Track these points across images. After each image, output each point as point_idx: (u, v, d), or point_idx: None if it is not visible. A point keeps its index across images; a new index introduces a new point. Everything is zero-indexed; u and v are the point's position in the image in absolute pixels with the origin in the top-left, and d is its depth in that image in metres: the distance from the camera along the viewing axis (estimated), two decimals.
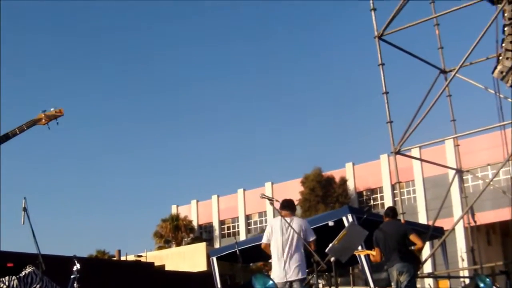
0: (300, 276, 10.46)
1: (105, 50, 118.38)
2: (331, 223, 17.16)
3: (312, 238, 10.74)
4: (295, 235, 10.61)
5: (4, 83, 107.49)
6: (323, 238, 11.71)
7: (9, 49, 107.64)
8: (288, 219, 10.78)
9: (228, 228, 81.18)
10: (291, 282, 10.35)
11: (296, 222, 10.84)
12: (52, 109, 8.29)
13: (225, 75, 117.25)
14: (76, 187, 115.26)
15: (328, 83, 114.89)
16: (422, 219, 60.37)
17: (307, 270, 12.88)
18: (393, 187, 66.28)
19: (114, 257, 58.94)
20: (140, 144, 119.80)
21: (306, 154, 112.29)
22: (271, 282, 6.82)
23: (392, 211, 13.63)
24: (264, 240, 10.90)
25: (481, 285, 11.13)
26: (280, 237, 10.66)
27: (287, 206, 11.18)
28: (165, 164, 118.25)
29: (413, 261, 12.82)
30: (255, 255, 16.52)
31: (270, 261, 14.19)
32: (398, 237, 12.80)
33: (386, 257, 12.95)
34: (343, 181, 70.51)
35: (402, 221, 17.67)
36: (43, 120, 8.21)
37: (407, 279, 12.53)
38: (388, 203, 67.54)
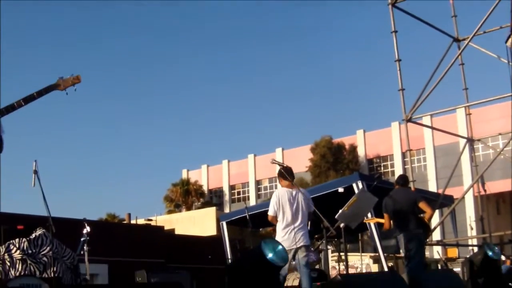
0: (306, 243, 10.57)
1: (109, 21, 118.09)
2: (341, 190, 17.15)
3: (312, 208, 10.90)
4: (301, 205, 10.72)
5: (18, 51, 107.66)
6: (333, 204, 11.74)
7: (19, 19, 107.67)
8: (294, 190, 10.87)
9: (238, 193, 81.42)
10: (297, 249, 10.46)
11: (302, 193, 10.92)
12: (70, 75, 8.30)
13: (237, 43, 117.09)
14: (89, 152, 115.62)
15: (341, 51, 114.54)
16: (432, 187, 60.35)
17: (316, 236, 12.96)
18: (403, 155, 66.15)
19: (124, 220, 59.23)
20: (153, 110, 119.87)
21: (317, 121, 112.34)
22: (280, 247, 6.84)
23: (402, 179, 13.65)
24: (271, 212, 10.92)
25: (490, 253, 11.13)
26: (289, 208, 10.71)
27: (290, 174, 11.15)
28: (177, 129, 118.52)
29: (423, 229, 12.85)
30: (265, 221, 16.51)
31: None
32: (408, 205, 12.82)
33: (396, 224, 12.99)
34: (353, 148, 70.48)
35: (413, 189, 17.65)
36: (61, 86, 8.22)
37: (415, 246, 12.57)
38: (398, 171, 67.53)
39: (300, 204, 10.72)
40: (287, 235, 10.57)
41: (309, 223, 10.98)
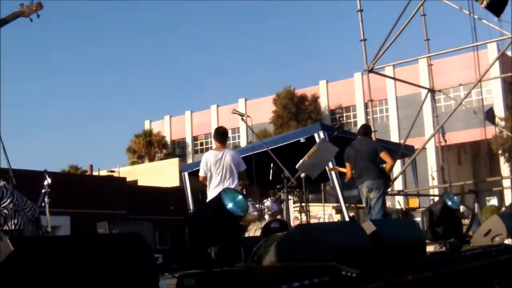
0: None
1: None
2: (302, 140, 17.20)
3: (243, 168, 11.35)
4: (229, 166, 11.22)
5: None
6: (294, 155, 11.74)
7: None
8: (220, 152, 11.35)
9: (201, 144, 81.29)
10: None
11: (228, 154, 11.38)
12: (31, 2, 8.19)
13: None
14: (50, 102, 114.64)
15: (305, 1, 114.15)
16: (394, 137, 60.70)
17: (278, 186, 12.99)
18: (366, 106, 66.34)
19: (87, 172, 58.95)
20: (116, 60, 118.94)
21: (280, 72, 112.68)
22: (240, 197, 6.83)
23: (364, 129, 13.71)
24: (201, 174, 11.50)
25: (449, 203, 11.21)
26: (215, 169, 11.24)
27: (219, 136, 11.68)
28: (139, 79, 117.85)
29: (383, 178, 12.94)
30: None
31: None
32: (368, 155, 12.93)
33: (357, 174, 13.08)
34: (315, 98, 70.52)
35: (374, 139, 17.76)
36: (26, 13, 8.12)
37: (376, 196, 12.70)
38: (361, 121, 67.82)
39: (227, 165, 11.21)
40: (212, 193, 11.01)
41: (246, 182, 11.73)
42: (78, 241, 4.87)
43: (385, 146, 14.21)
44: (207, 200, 10.65)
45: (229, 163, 11.18)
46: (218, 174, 11.23)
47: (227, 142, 12.08)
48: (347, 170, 13.32)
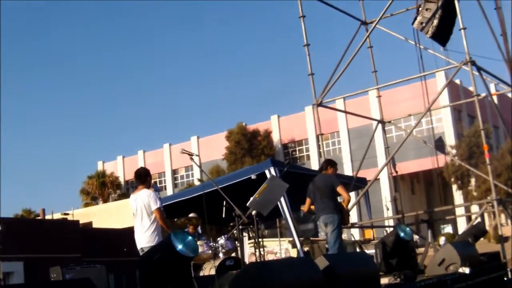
0: (146, 244, 10.93)
1: None
2: (254, 177, 17.19)
3: (155, 206, 11.07)
4: (142, 207, 11.08)
5: None
6: (247, 192, 11.72)
7: None
8: (136, 194, 11.30)
9: (155, 183, 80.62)
10: (142, 249, 10.96)
11: (140, 195, 11.23)
12: None
13: (162, 32, 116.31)
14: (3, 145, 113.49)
15: (254, 39, 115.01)
16: (348, 169, 61.04)
17: (231, 224, 12.93)
18: (318, 139, 66.69)
19: (39, 216, 58.26)
20: (65, 101, 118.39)
21: (232, 108, 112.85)
22: (190, 238, 6.79)
23: (323, 164, 13.86)
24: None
25: (402, 234, 11.29)
26: (133, 211, 11.25)
27: (136, 178, 11.69)
28: (91, 119, 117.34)
29: (337, 213, 12.97)
30: (180, 210, 16.50)
31: (191, 215, 14.23)
32: (325, 189, 13.07)
33: (315, 209, 13.15)
34: (268, 133, 70.74)
35: (332, 172, 17.90)
36: None
37: (330, 230, 12.74)
38: (314, 154, 68.22)
39: (141, 206, 11.10)
40: (135, 235, 11.23)
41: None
42: None
43: (340, 180, 14.24)
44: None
45: (141, 205, 11.07)
46: (135, 216, 11.20)
47: (152, 181, 12.03)
48: (306, 204, 13.42)
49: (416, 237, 22.30)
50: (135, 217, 11.21)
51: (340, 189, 13.05)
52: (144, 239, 10.93)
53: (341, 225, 13.08)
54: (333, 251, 12.50)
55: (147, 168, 12.20)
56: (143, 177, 11.55)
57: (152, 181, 12.21)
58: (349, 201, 13.46)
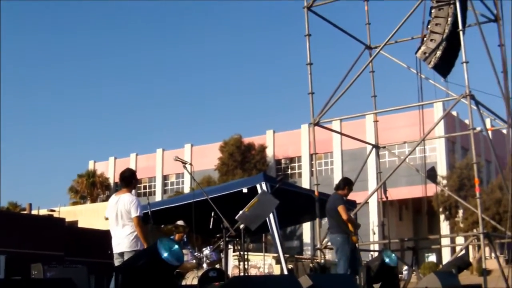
0: (127, 249, 10.84)
1: None
2: (245, 190, 17.15)
3: (135, 214, 10.97)
4: (120, 212, 11.02)
5: None
6: (236, 204, 11.70)
7: None
8: (117, 197, 11.21)
9: (145, 187, 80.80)
10: (122, 253, 10.85)
11: (123, 199, 11.13)
12: None
13: (150, 39, 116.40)
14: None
15: (257, 53, 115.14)
16: None
17: (218, 235, 12.90)
18: (311, 157, 66.70)
19: (25, 210, 58.05)
20: (63, 99, 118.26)
21: (229, 120, 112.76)
22: (176, 246, 6.77)
23: (342, 182, 14.12)
24: (106, 214, 11.42)
25: (387, 260, 11.29)
26: (110, 214, 11.22)
27: (121, 180, 11.53)
28: (86, 118, 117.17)
29: (341, 233, 13.08)
30: (168, 217, 16.45)
31: (178, 222, 14.19)
32: (329, 210, 13.48)
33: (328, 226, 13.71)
34: (263, 148, 70.72)
35: (316, 193, 17.97)
36: None
37: (335, 250, 13.34)
38: (306, 172, 68.21)
39: (120, 211, 11.03)
40: (112, 239, 11.16)
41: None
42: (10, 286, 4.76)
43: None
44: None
45: (121, 209, 10.99)
46: (112, 218, 11.13)
47: (137, 186, 11.98)
48: None
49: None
50: (114, 219, 11.13)
51: (339, 209, 13.17)
52: (126, 243, 10.85)
53: (346, 245, 13.12)
54: (341, 270, 12.73)
55: (133, 170, 12.06)
56: (127, 179, 11.41)
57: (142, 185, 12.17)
58: (347, 220, 13.44)
